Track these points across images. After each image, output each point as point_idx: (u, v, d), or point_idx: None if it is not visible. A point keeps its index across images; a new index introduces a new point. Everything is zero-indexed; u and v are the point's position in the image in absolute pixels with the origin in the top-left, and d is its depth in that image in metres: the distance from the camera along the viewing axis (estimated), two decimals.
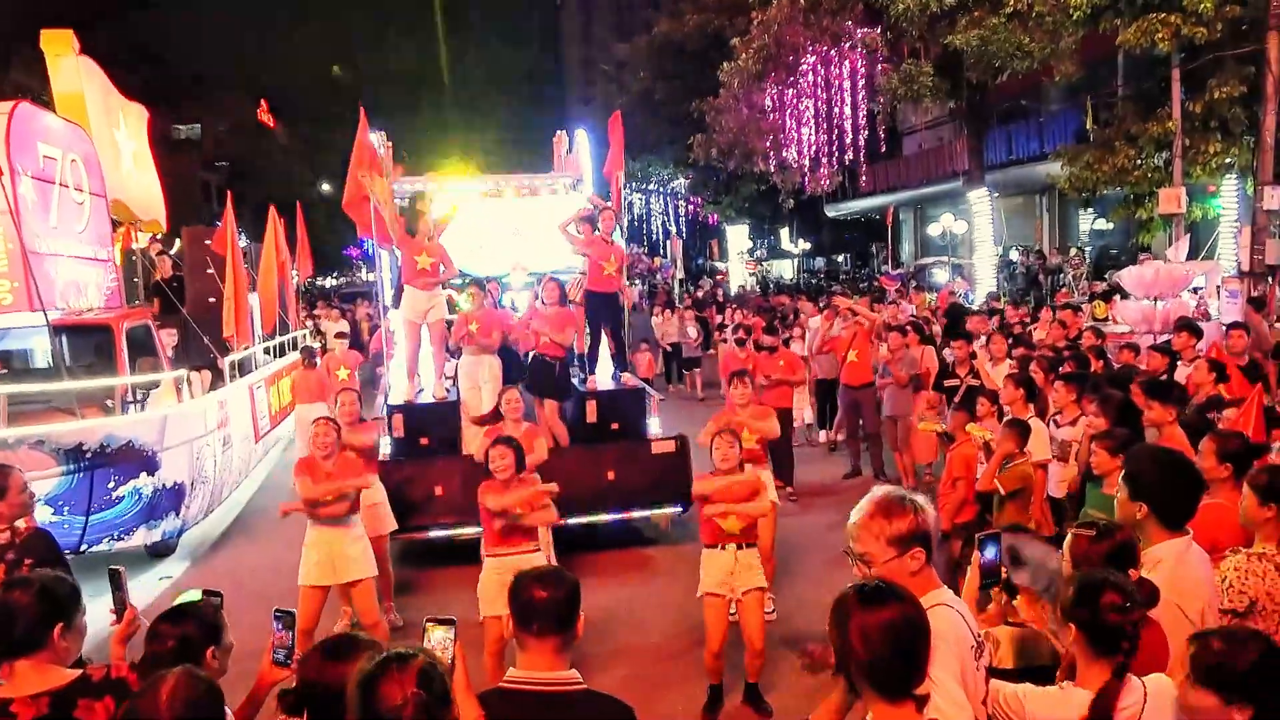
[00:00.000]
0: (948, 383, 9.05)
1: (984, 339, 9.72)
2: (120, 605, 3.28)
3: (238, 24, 60.92)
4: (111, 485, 7.41)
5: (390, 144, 11.95)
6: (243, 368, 10.59)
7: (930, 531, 2.64)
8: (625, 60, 35.09)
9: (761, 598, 5.43)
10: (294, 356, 12.41)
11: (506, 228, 10.65)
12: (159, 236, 12.07)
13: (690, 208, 39.59)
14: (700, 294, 26.30)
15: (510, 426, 6.73)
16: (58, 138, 8.87)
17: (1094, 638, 2.65)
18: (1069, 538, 3.30)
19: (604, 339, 9.30)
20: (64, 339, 8.41)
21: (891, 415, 10.31)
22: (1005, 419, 6.53)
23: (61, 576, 2.98)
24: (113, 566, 3.42)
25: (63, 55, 9.46)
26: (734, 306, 21.08)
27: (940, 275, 26.43)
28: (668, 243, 40.25)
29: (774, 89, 20.97)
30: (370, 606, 5.90)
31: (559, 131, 12.76)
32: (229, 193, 10.86)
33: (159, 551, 8.62)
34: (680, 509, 8.29)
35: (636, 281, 35.01)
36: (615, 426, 8.99)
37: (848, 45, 19.52)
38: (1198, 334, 8.26)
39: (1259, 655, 2.38)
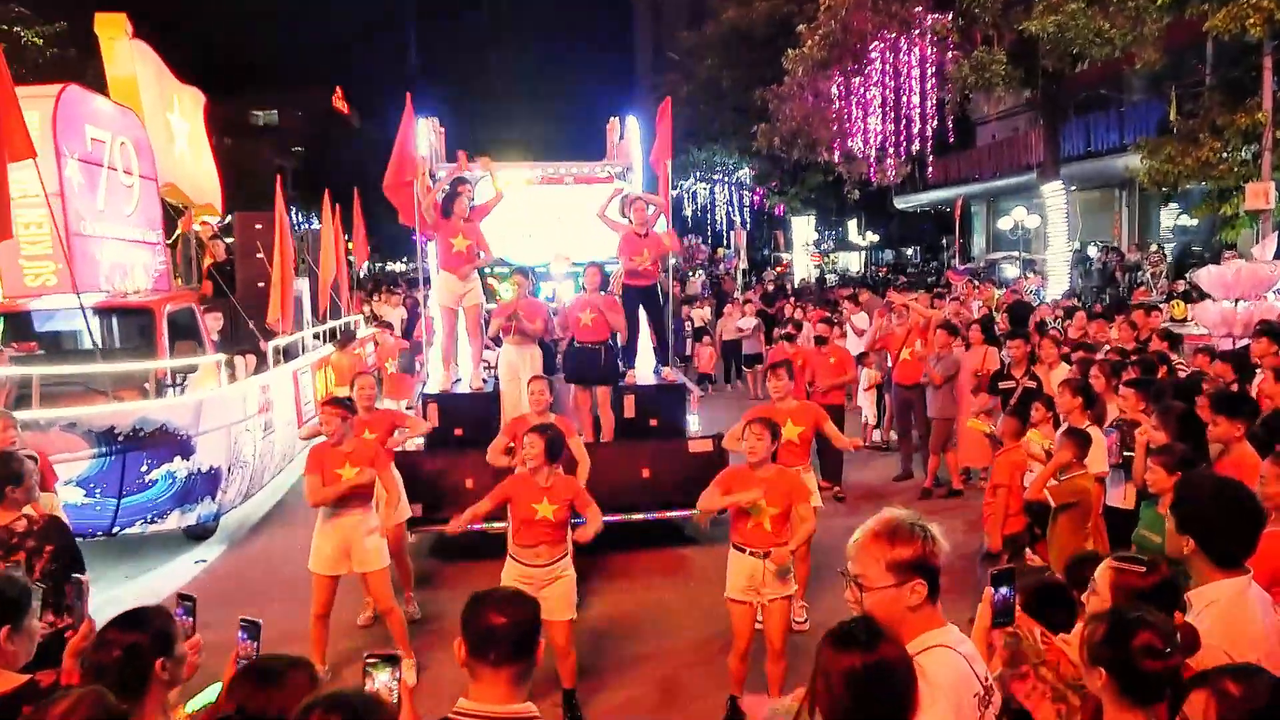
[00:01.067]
0: (1003, 384, 8.58)
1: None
2: (79, 617, 3.18)
3: (314, 9, 61.94)
4: (144, 469, 7.43)
5: (443, 130, 11.87)
6: (288, 353, 10.60)
7: (938, 566, 2.37)
8: (692, 48, 34.62)
9: (788, 606, 5.13)
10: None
11: (550, 216, 10.45)
12: (216, 221, 12.15)
13: (756, 198, 39.02)
14: (771, 286, 25.57)
15: (534, 420, 6.54)
16: (107, 120, 8.93)
17: (1126, 685, 2.34)
18: (1102, 568, 2.97)
19: (645, 332, 9.07)
20: (109, 321, 8.48)
21: (934, 416, 9.88)
22: (1062, 427, 6.11)
23: (11, 577, 2.85)
24: (75, 576, 3.32)
25: (116, 38, 9.53)
26: (791, 300, 20.60)
27: (1011, 271, 25.57)
28: (731, 233, 39.82)
29: (840, 77, 20.41)
30: (385, 594, 5.81)
31: (612, 118, 12.50)
32: (278, 177, 10.83)
33: (197, 534, 8.66)
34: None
35: (699, 271, 34.73)
36: (654, 423, 8.76)
37: (917, 32, 18.87)
38: (1279, 339, 7.66)
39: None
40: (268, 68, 53.20)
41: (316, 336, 12.26)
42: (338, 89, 65.25)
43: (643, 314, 9.07)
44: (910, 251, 44.80)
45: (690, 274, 38.68)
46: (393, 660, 2.30)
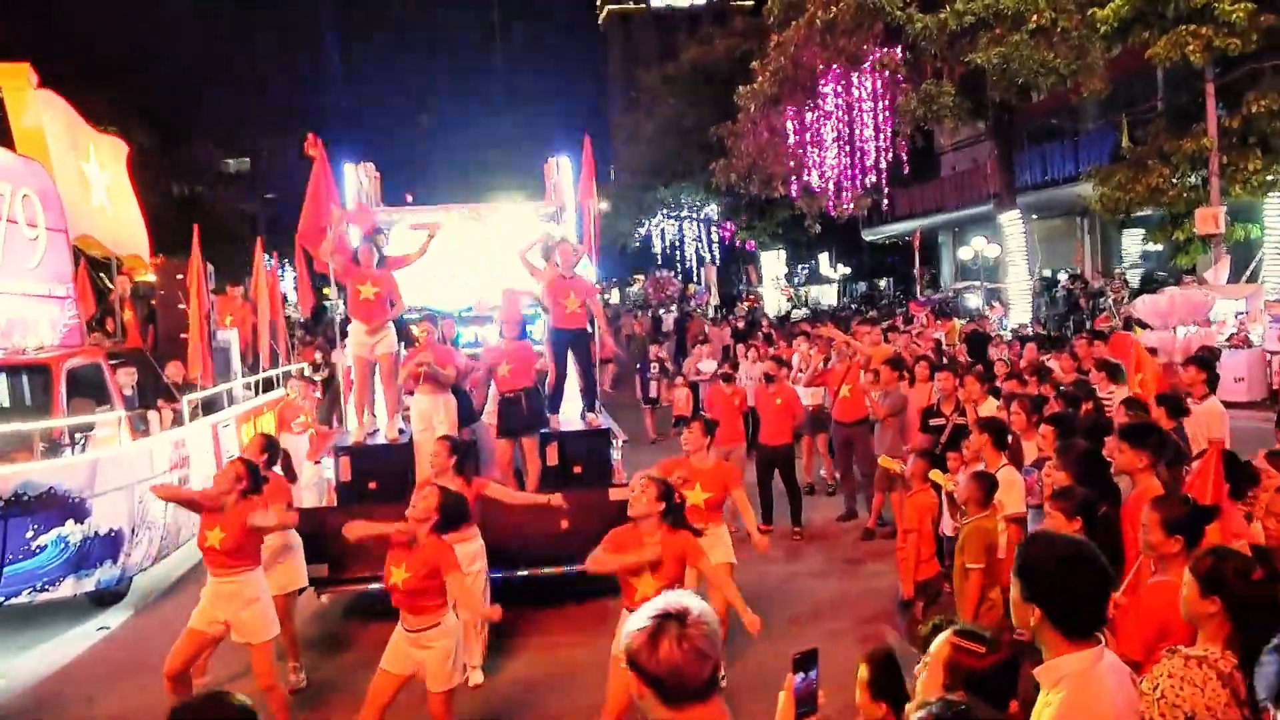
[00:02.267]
0: (933, 421, 8.33)
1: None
2: None
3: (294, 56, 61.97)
4: (30, 535, 7.06)
5: (378, 175, 11.66)
6: (209, 406, 10.26)
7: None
8: (655, 86, 34.78)
9: None
10: (277, 393, 12.08)
11: (476, 259, 10.22)
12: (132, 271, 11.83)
13: (725, 234, 39.01)
14: (741, 324, 25.02)
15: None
16: (4, 171, 8.65)
17: None
18: (940, 640, 2.69)
19: (571, 377, 8.81)
20: (7, 380, 8.15)
21: (879, 454, 9.63)
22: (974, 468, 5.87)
23: None
24: None
25: (21, 89, 9.29)
26: (758, 338, 20.27)
27: (974, 301, 25.50)
28: (702, 269, 39.74)
29: (792, 112, 20.40)
30: (265, 670, 5.45)
31: (551, 158, 12.32)
32: (195, 226, 10.54)
33: (103, 600, 8.27)
34: None
35: (673, 307, 34.53)
36: (578, 470, 8.47)
37: (867, 66, 18.89)
38: (1208, 368, 7.45)
39: None
40: (241, 114, 53.15)
41: (248, 388, 11.93)
42: (310, 135, 65.27)
43: (571, 358, 8.82)
44: (884, 283, 44.87)
45: (663, 309, 38.55)
46: None
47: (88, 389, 8.71)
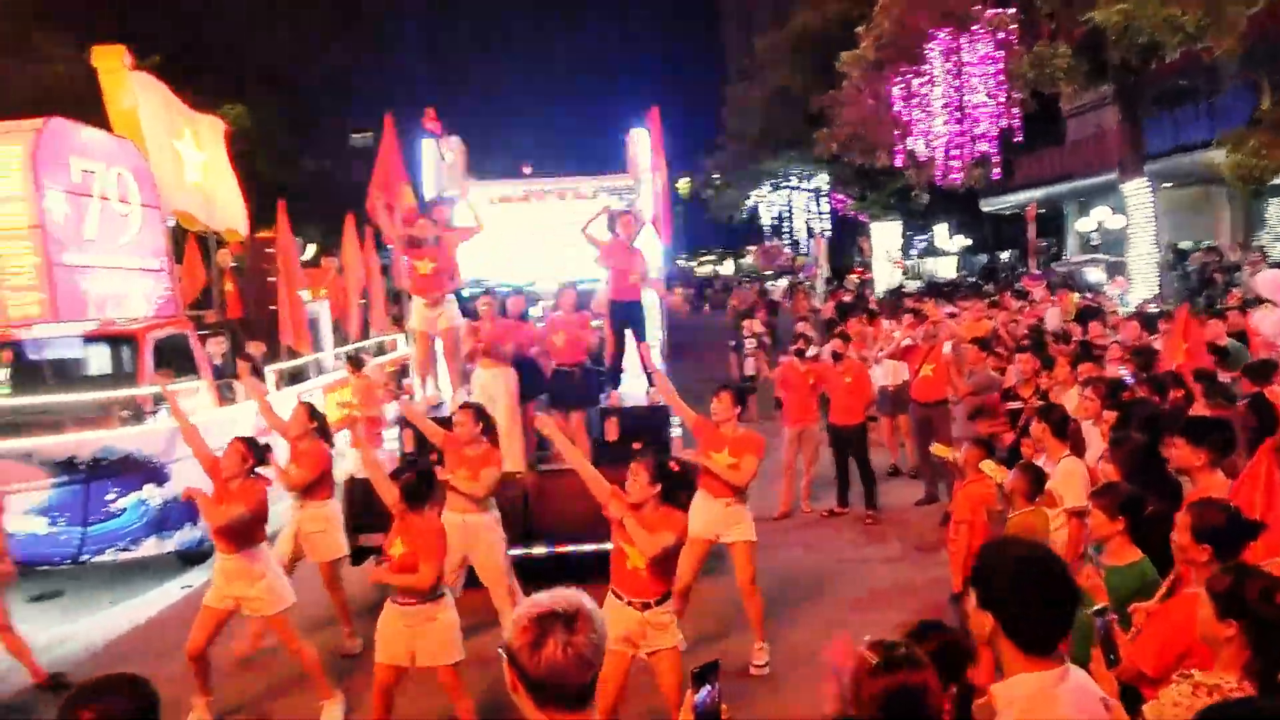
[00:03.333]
0: (1010, 405, 7.88)
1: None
2: None
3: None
4: (111, 498, 7.46)
5: (464, 148, 11.77)
6: (296, 376, 10.62)
7: None
8: (764, 53, 34.03)
9: (675, 657, 4.66)
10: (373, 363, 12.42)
11: (550, 235, 10.19)
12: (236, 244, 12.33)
13: (837, 205, 38.03)
14: (848, 297, 24.16)
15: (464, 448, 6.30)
16: (99, 151, 9.09)
17: None
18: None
19: (629, 350, 8.73)
20: (97, 350, 8.61)
21: (960, 436, 9.20)
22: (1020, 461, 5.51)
23: None
24: None
25: (116, 72, 9.73)
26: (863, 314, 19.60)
27: (1095, 275, 24.11)
28: (811, 241, 38.89)
29: (898, 78, 19.56)
30: (288, 636, 5.66)
31: (633, 129, 12.15)
32: (281, 201, 10.88)
33: (190, 559, 8.69)
34: None
35: (784, 277, 33.85)
36: (637, 446, 8.38)
37: (977, 28, 17.92)
38: None
39: None
40: (363, 90, 54.52)
41: (339, 359, 12.30)
42: (429, 109, 66.54)
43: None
44: (1005, 256, 42.96)
45: (774, 279, 37.93)
46: None
47: (175, 359, 9.11)
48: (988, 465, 5.52)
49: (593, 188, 10.65)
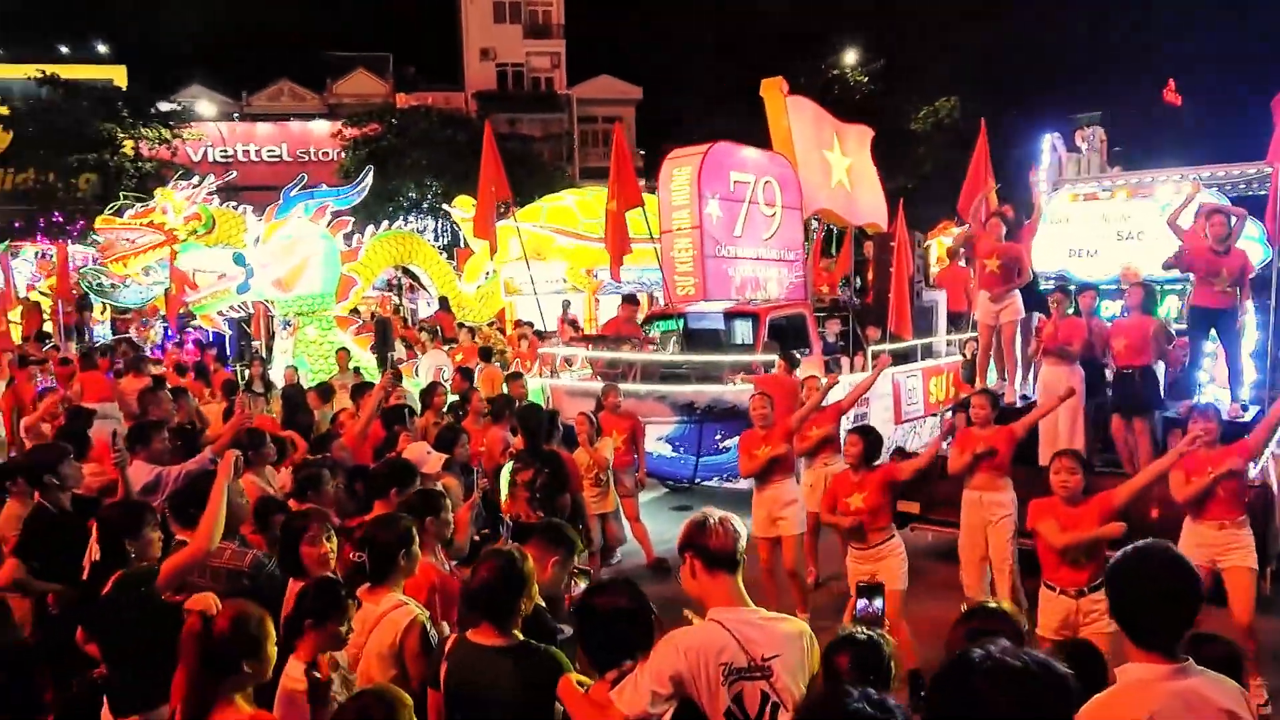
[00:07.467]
0: None
1: None
2: None
3: None
4: (719, 437, 9.53)
5: (1104, 140, 11.67)
6: (906, 357, 11.74)
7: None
8: None
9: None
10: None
11: (1125, 230, 9.65)
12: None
13: None
14: None
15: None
16: (752, 165, 11.32)
17: None
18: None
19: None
20: (733, 324, 10.85)
21: None
22: None
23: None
24: None
25: (777, 98, 11.86)
26: None
27: None
28: None
29: None
30: (790, 557, 6.92)
31: None
32: (900, 200, 12.07)
33: None
34: None
35: None
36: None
37: None
38: None
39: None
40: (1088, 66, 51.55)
41: (949, 344, 13.05)
42: (1170, 81, 59.62)
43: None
44: None
45: None
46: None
47: (793, 335, 10.92)
48: None
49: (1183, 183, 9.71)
